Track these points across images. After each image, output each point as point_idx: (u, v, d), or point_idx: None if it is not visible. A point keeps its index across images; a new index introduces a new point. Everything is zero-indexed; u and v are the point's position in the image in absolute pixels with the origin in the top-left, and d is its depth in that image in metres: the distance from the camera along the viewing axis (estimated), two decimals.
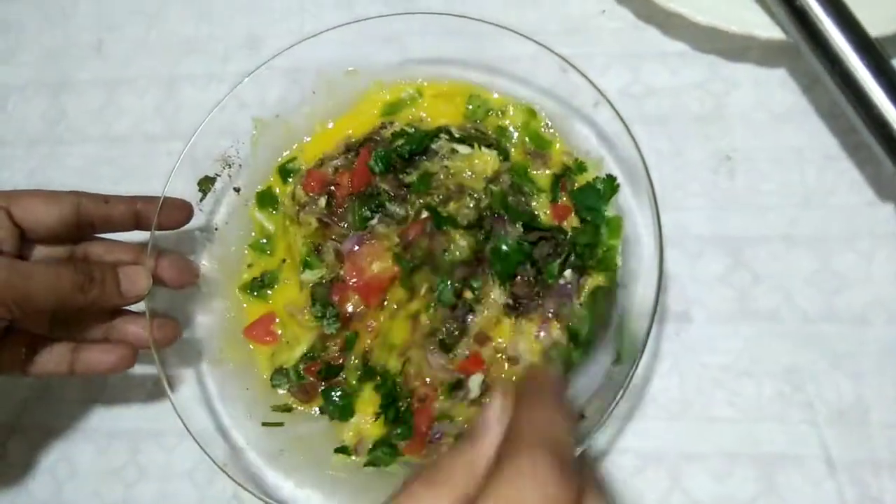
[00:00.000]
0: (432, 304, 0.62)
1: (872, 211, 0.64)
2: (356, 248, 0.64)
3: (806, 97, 0.68)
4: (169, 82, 0.81)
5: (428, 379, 0.61)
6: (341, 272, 0.64)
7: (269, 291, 0.68)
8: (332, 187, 0.66)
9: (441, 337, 0.61)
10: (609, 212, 0.63)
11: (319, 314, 0.64)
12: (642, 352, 0.56)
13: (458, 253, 0.61)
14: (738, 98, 0.68)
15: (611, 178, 0.63)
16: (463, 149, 0.65)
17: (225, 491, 0.66)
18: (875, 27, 0.60)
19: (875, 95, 0.58)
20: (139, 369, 0.69)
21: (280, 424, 0.63)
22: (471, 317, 0.61)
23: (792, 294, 0.63)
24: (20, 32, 0.87)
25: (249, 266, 0.69)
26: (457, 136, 0.66)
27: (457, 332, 0.61)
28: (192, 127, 0.67)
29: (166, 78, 0.81)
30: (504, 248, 0.62)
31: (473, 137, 0.66)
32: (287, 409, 0.64)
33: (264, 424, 0.63)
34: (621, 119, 0.60)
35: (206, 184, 0.67)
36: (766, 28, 0.64)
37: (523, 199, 0.65)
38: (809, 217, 0.65)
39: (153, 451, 0.69)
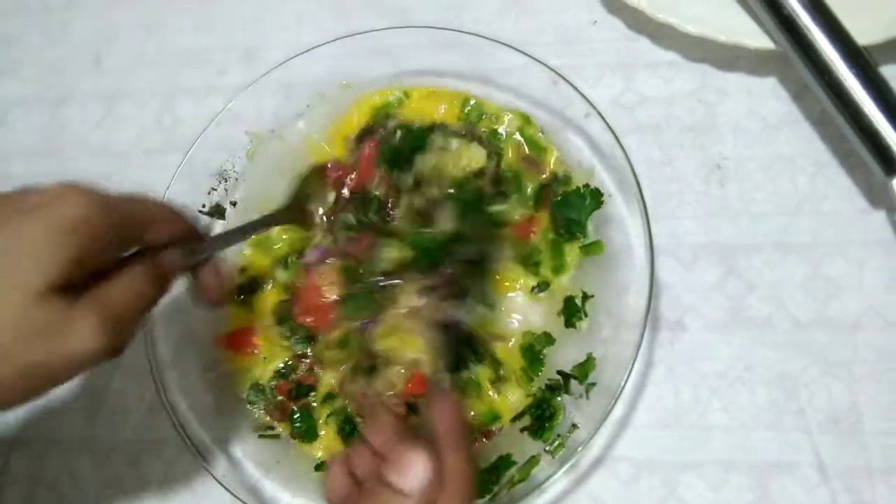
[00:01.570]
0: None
1: (864, 218, 0.64)
2: (315, 259, 0.66)
3: (797, 105, 0.68)
4: (167, 95, 0.82)
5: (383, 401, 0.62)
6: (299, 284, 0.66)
7: (254, 297, 0.68)
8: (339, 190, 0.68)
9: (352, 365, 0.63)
10: (595, 233, 0.63)
11: (288, 333, 0.65)
12: (634, 360, 0.56)
13: (382, 262, 0.63)
14: (729, 107, 0.69)
15: (597, 192, 0.63)
16: (455, 143, 0.66)
17: (224, 502, 0.66)
18: (863, 36, 0.60)
19: (864, 104, 0.58)
20: (137, 381, 0.71)
21: (276, 436, 0.64)
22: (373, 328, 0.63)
23: (785, 301, 0.63)
24: (20, 46, 0.88)
25: (242, 271, 0.69)
26: (452, 130, 0.67)
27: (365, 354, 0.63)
28: (191, 139, 0.67)
29: (165, 91, 0.82)
30: (425, 244, 0.63)
31: (465, 135, 0.67)
32: (269, 426, 0.65)
33: (260, 436, 0.64)
34: (611, 130, 0.60)
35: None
36: (756, 37, 0.64)
37: (499, 201, 0.65)
38: (801, 224, 0.65)
39: (153, 463, 0.69)
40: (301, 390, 0.64)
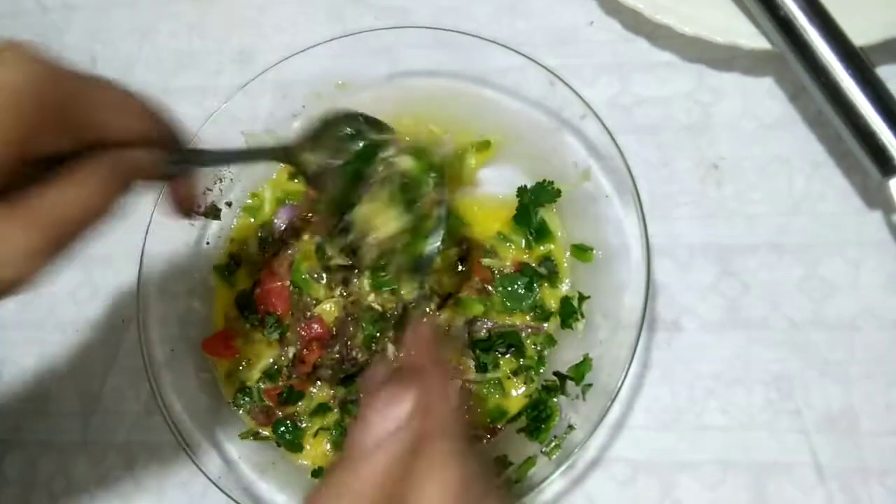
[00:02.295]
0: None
1: (860, 218, 0.64)
2: (284, 219, 0.66)
3: (793, 105, 0.68)
4: (163, 96, 0.80)
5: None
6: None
7: (237, 274, 0.68)
8: None
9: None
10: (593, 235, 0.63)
11: (256, 322, 0.65)
12: (631, 360, 0.56)
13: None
14: (725, 107, 0.69)
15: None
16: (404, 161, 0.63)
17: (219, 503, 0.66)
18: (859, 36, 0.60)
19: (860, 104, 0.58)
20: (132, 382, 0.70)
21: (271, 438, 0.63)
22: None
23: (781, 302, 0.63)
24: None
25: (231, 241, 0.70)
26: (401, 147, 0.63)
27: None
28: (186, 141, 0.67)
29: (160, 92, 0.81)
30: None
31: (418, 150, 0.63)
32: (254, 433, 0.64)
33: (255, 438, 0.63)
34: (608, 131, 0.60)
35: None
36: (752, 38, 0.64)
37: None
38: (797, 225, 0.65)
39: (148, 464, 0.69)
40: (292, 396, 0.63)
